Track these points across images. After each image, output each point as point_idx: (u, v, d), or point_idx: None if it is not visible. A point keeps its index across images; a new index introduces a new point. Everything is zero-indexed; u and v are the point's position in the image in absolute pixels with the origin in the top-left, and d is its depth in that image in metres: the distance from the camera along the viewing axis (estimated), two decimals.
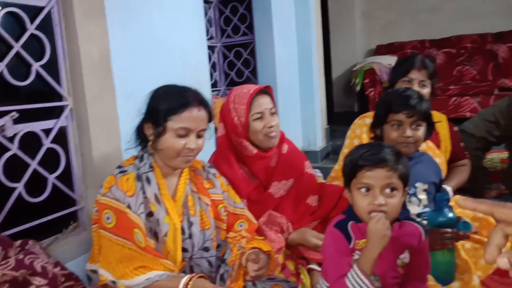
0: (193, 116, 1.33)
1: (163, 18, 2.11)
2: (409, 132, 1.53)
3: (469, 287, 1.42)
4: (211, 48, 3.52)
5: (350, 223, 1.24)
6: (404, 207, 1.48)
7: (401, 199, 1.20)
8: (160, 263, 1.27)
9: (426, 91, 1.93)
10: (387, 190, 1.18)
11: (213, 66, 3.56)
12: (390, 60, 4.97)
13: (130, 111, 1.59)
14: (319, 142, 3.90)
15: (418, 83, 1.94)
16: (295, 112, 3.80)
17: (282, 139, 1.77)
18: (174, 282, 1.23)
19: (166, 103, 1.33)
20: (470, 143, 2.15)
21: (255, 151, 1.64)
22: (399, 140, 1.54)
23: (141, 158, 1.39)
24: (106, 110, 1.81)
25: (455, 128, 2.07)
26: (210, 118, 1.40)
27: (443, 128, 2.00)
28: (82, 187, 1.77)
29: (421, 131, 1.57)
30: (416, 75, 1.94)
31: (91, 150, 1.75)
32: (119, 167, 1.39)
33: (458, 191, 1.96)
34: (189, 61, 2.30)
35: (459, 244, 1.50)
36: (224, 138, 1.70)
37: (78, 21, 1.68)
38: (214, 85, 3.54)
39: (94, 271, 1.37)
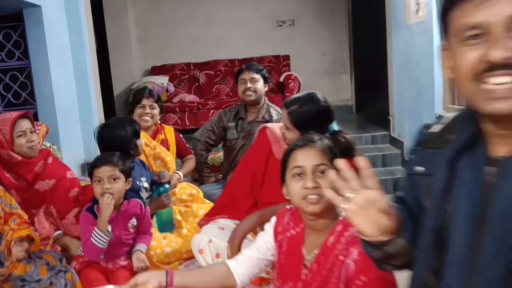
0: None
1: None
2: None
3: (181, 236, 2.28)
4: None
5: (95, 206, 1.94)
6: (138, 194, 2.26)
7: (124, 185, 1.96)
8: None
9: (155, 111, 2.81)
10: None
11: None
12: (162, 80, 5.86)
13: None
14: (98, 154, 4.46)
15: (149, 107, 2.79)
16: (75, 129, 4.27)
17: (49, 154, 2.36)
18: None
19: None
20: (197, 146, 3.09)
21: (19, 158, 2.18)
22: None
23: None
24: None
25: (180, 135, 3.03)
26: None
27: (171, 137, 2.91)
28: None
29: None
30: (146, 102, 2.78)
31: None
32: None
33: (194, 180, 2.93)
34: None
35: (176, 208, 2.39)
36: None
37: None
38: None
39: None
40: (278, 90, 5.85)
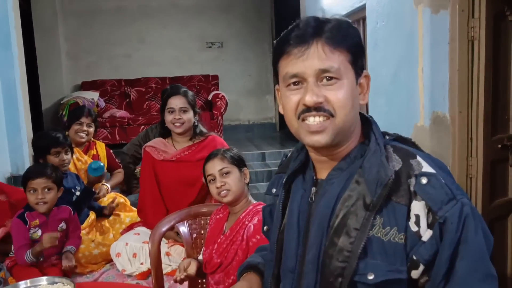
0: None
1: None
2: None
3: (108, 240, 2.53)
4: None
5: (26, 213, 2.14)
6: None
7: (56, 194, 2.19)
8: None
9: (91, 129, 3.04)
10: None
11: None
12: (93, 95, 5.98)
13: None
14: (27, 166, 4.51)
15: (86, 125, 3.02)
16: (2, 142, 4.31)
17: None
18: None
19: None
20: (125, 159, 3.35)
21: None
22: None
23: None
24: None
25: (111, 150, 3.27)
26: None
27: (102, 152, 3.15)
28: None
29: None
30: (84, 120, 3.02)
31: None
32: None
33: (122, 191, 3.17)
34: None
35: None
36: None
37: None
38: None
39: None
40: (207, 108, 6.20)
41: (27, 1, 5.99)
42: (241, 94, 6.77)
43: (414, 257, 0.81)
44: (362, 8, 3.53)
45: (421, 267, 0.81)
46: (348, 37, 0.89)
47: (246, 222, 1.63)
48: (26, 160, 4.51)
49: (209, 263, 1.65)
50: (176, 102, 2.43)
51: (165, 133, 2.54)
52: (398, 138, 0.94)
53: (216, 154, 1.72)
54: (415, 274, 0.82)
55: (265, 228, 1.13)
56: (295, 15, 5.33)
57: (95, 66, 6.52)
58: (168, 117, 2.43)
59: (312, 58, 0.85)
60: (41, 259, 2.06)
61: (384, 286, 0.82)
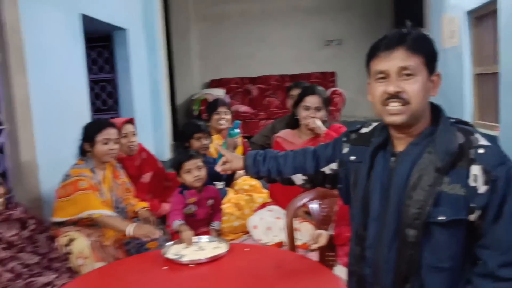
0: (108, 132, 2.50)
1: (61, 68, 3.18)
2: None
3: (244, 215, 2.88)
4: None
5: (184, 191, 2.56)
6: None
7: (205, 173, 2.59)
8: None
9: (228, 116, 3.42)
10: None
11: None
12: (220, 92, 6.57)
13: (42, 130, 2.69)
14: (167, 154, 5.19)
15: (223, 113, 3.41)
16: (148, 132, 5.02)
17: (142, 149, 3.03)
18: (121, 224, 2.32)
19: (93, 128, 2.49)
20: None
21: (124, 155, 2.85)
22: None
23: (86, 161, 2.48)
24: (27, 131, 2.81)
25: (245, 140, 3.64)
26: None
27: (239, 140, 3.52)
28: (13, 180, 2.73)
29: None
30: (221, 109, 3.41)
31: (20, 158, 2.74)
32: (75, 164, 2.44)
33: None
34: (76, 95, 3.40)
35: (240, 196, 3.01)
36: None
37: (12, 74, 2.69)
38: None
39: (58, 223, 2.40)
40: None
41: (166, 9, 6.80)
42: (358, 91, 6.82)
43: (472, 205, 1.09)
44: (492, 2, 3.42)
45: (477, 212, 1.10)
46: (424, 45, 1.17)
47: None
48: (167, 149, 5.19)
49: (339, 236, 1.85)
50: (312, 100, 2.60)
51: (294, 124, 2.78)
52: (460, 121, 1.21)
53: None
54: (472, 217, 1.10)
55: (339, 186, 1.45)
56: (417, 14, 5.26)
57: (222, 65, 7.14)
58: (303, 113, 2.61)
59: (395, 59, 1.15)
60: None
61: (450, 225, 1.11)
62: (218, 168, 1.64)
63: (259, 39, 7.04)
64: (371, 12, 6.80)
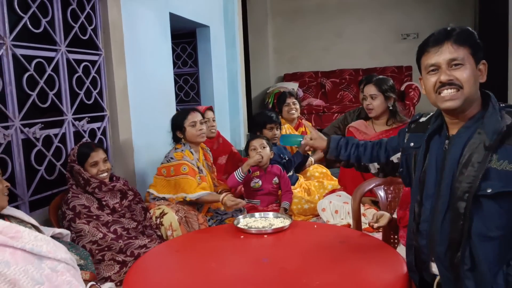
0: (193, 115, 2.81)
1: (152, 62, 3.57)
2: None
3: (315, 200, 3.06)
4: None
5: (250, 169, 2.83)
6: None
7: (269, 152, 2.80)
8: (207, 187, 2.71)
9: (297, 106, 3.63)
10: None
11: None
12: (293, 86, 6.75)
13: (137, 116, 3.06)
14: (242, 143, 5.49)
15: (292, 103, 3.62)
16: (225, 122, 5.35)
17: (219, 135, 3.33)
18: (216, 196, 2.64)
19: (179, 117, 2.81)
20: None
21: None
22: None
23: (184, 144, 2.82)
24: (125, 116, 3.21)
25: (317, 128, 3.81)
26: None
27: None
28: (113, 158, 3.15)
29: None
30: (289, 100, 3.62)
31: (119, 139, 3.14)
32: (176, 149, 2.79)
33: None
34: (164, 86, 3.78)
35: (311, 182, 3.19)
36: None
37: (114, 67, 3.09)
38: None
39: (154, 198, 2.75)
40: (399, 98, 6.32)
41: (244, 5, 7.10)
42: None
43: None
44: None
45: None
46: (468, 38, 1.31)
47: None
48: (242, 138, 5.49)
49: (403, 219, 1.97)
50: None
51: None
52: (509, 105, 1.32)
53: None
54: None
55: (400, 169, 1.60)
56: (503, 3, 5.04)
57: (296, 59, 7.32)
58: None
59: (445, 53, 1.31)
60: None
61: (497, 197, 1.23)
62: (305, 141, 1.79)
63: (333, 33, 7.11)
64: (452, 2, 6.58)
